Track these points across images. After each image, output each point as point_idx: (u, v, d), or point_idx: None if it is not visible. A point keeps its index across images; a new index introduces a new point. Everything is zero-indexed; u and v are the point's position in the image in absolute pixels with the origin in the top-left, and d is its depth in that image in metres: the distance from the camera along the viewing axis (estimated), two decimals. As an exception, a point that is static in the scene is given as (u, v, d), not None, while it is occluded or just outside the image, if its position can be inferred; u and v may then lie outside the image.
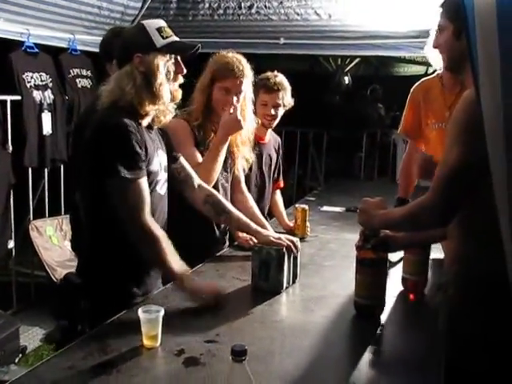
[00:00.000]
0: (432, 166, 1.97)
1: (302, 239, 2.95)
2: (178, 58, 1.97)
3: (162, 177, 2.06)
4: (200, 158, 2.53)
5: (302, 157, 7.19)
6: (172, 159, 2.19)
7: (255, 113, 2.81)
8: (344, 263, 2.65)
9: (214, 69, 2.59)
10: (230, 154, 2.73)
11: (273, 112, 3.05)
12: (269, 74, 3.08)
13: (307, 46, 4.94)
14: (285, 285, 2.22)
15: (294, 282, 2.30)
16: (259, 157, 3.12)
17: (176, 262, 1.89)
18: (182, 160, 2.25)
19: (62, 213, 4.67)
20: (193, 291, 1.94)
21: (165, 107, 1.99)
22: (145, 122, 1.99)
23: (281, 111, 3.11)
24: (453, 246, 1.71)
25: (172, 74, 1.95)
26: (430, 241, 2.17)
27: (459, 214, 1.58)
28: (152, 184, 1.97)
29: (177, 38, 1.98)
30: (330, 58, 7.27)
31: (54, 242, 4.43)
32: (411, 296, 2.21)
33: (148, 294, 2.04)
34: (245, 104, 2.63)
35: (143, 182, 1.87)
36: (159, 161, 2.03)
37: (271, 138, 3.33)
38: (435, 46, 1.93)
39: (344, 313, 2.03)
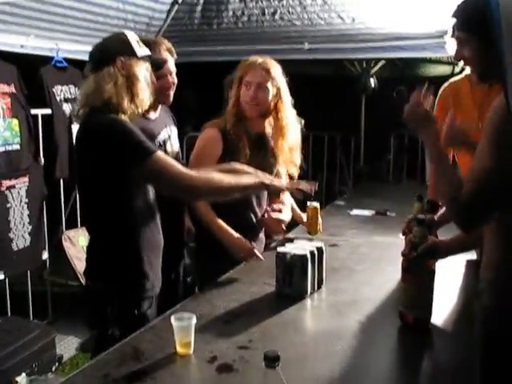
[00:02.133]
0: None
1: (312, 234, 2.98)
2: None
3: None
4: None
5: (330, 161, 7.17)
6: None
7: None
8: (375, 267, 2.63)
9: (239, 68, 2.66)
10: (272, 161, 2.72)
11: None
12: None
13: (332, 50, 4.92)
14: (309, 290, 2.20)
15: (319, 287, 2.28)
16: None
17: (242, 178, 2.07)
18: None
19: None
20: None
21: (139, 111, 2.06)
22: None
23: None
24: (487, 249, 1.61)
25: (150, 82, 2.07)
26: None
27: (493, 217, 1.50)
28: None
29: (149, 53, 2.11)
30: (355, 61, 7.21)
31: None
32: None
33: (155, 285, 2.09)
34: (281, 103, 2.65)
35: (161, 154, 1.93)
36: None
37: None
38: (459, 59, 1.89)
39: (377, 317, 2.01)
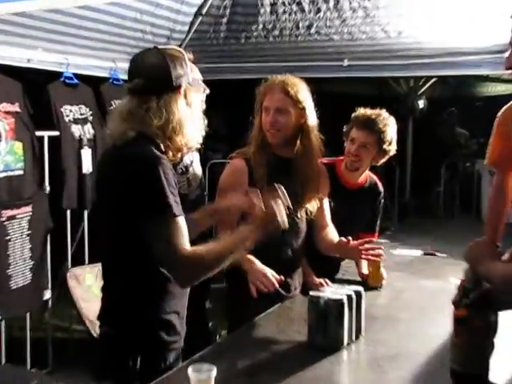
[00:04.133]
0: None
1: (374, 289, 2.98)
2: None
3: None
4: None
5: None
6: None
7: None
8: (422, 316, 2.61)
9: (258, 92, 2.74)
10: (299, 191, 2.73)
11: (355, 150, 3.01)
12: (368, 110, 3.10)
13: (375, 67, 4.93)
14: (346, 341, 2.19)
15: (357, 337, 2.27)
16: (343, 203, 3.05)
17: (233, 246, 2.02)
18: None
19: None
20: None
21: (185, 149, 2.11)
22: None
23: (369, 154, 3.05)
24: None
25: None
26: None
27: None
28: None
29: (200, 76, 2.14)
30: (401, 80, 7.23)
31: (95, 293, 4.39)
32: None
33: (178, 338, 2.10)
34: (307, 126, 2.71)
35: (180, 221, 1.93)
36: None
37: (367, 182, 3.29)
38: (508, 67, 1.88)
39: (424, 374, 1.99)
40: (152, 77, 1.97)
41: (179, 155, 2.11)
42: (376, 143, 3.03)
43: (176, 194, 1.92)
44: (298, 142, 2.75)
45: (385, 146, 3.05)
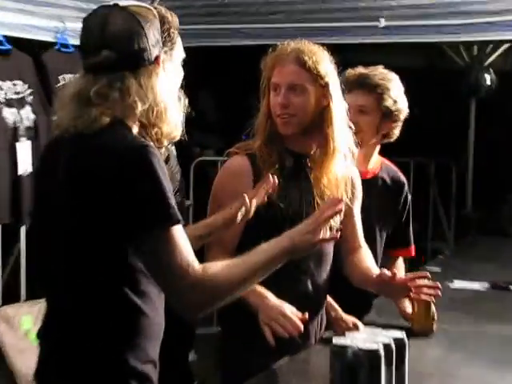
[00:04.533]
0: None
1: (422, 335, 2.94)
2: None
3: None
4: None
5: (418, 202, 7.10)
6: None
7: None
8: (490, 372, 2.58)
9: (265, 65, 2.77)
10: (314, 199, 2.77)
11: (351, 118, 2.88)
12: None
13: (423, 29, 4.98)
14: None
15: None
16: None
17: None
18: None
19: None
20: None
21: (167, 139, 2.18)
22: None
23: (371, 121, 3.10)
24: None
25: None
26: None
27: None
28: None
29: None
30: (461, 47, 7.19)
31: (33, 340, 4.33)
32: None
33: None
34: (329, 110, 2.72)
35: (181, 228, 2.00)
36: None
37: (383, 170, 3.37)
38: None
39: None
40: (124, 47, 2.01)
41: (160, 149, 2.14)
42: (377, 104, 3.10)
43: (172, 195, 1.98)
44: (318, 132, 2.76)
45: (389, 105, 3.12)
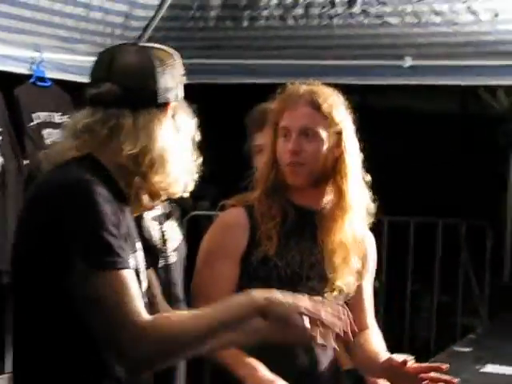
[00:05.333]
0: None
1: None
2: None
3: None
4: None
5: (445, 271, 7.02)
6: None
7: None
8: None
9: (272, 108, 2.80)
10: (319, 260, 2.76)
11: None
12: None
13: (454, 70, 4.90)
14: None
15: None
16: None
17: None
18: None
19: (9, 369, 4.50)
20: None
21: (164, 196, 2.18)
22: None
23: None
24: None
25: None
26: None
27: None
28: None
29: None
30: (499, 91, 7.14)
31: None
32: None
33: None
34: (343, 162, 2.70)
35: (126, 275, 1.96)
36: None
37: None
38: None
39: None
40: (130, 83, 2.05)
41: (153, 204, 2.19)
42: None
43: (120, 236, 1.95)
44: (330, 185, 2.74)
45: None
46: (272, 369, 2.55)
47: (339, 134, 2.69)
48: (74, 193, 1.92)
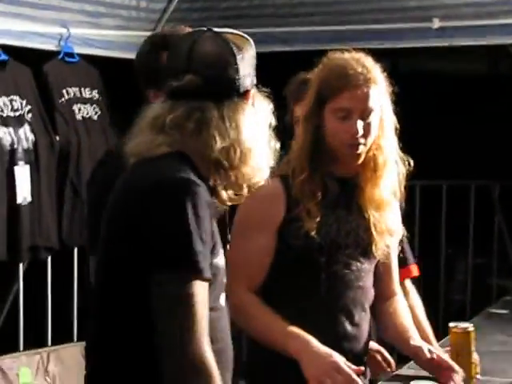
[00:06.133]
0: None
1: None
2: None
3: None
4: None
5: (479, 233, 6.99)
6: None
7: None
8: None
9: (319, 81, 2.71)
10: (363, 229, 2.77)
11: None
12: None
13: (484, 29, 4.87)
14: None
15: None
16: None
17: None
18: None
19: (49, 342, 4.62)
20: None
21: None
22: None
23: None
24: None
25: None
26: None
27: None
28: (216, 289, 2.09)
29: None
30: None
31: None
32: None
33: None
34: (382, 133, 2.71)
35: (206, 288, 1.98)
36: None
37: None
38: None
39: None
40: (212, 74, 2.04)
41: (235, 198, 2.17)
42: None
43: (209, 246, 1.98)
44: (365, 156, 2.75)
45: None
46: (315, 337, 2.54)
47: (381, 107, 2.68)
48: (173, 192, 1.94)
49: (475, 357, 2.89)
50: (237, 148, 2.02)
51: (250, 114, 2.08)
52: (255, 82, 2.14)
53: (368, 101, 2.64)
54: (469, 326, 2.89)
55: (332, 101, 2.66)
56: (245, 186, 2.12)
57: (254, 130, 2.08)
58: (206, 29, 2.11)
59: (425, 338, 3.03)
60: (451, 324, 2.90)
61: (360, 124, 2.62)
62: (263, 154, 2.11)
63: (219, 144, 2.00)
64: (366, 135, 2.65)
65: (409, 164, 2.81)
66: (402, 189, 2.83)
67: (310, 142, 2.71)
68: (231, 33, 2.14)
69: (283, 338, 2.51)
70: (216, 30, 2.11)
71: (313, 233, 2.61)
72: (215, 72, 2.04)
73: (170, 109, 2.06)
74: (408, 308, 3.00)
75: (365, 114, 2.64)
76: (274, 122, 2.18)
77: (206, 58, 2.05)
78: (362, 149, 2.67)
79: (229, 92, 2.05)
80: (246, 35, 2.17)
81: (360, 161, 2.71)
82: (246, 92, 2.08)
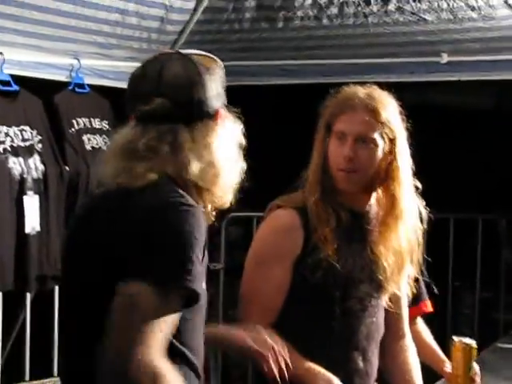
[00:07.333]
0: None
1: None
2: None
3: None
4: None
5: (487, 267, 6.93)
6: None
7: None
8: None
9: (327, 109, 2.73)
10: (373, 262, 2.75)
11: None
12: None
13: (491, 64, 4.90)
14: None
15: None
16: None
17: None
18: None
19: (55, 372, 4.57)
20: None
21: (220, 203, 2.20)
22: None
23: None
24: None
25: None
26: None
27: None
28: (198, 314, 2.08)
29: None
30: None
31: None
32: None
33: None
34: (397, 167, 2.68)
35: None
36: None
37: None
38: None
39: None
40: (182, 96, 2.06)
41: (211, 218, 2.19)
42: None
43: (202, 266, 1.98)
44: (379, 188, 2.75)
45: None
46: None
47: (393, 139, 2.66)
48: (167, 216, 1.93)
49: (476, 371, 2.96)
50: (211, 169, 2.04)
51: (220, 134, 2.10)
52: (225, 101, 2.16)
53: (364, 126, 2.63)
54: (472, 343, 2.92)
55: (333, 125, 2.68)
56: (210, 206, 2.14)
57: (225, 150, 2.09)
58: (173, 51, 2.19)
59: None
60: (455, 338, 2.95)
61: (352, 148, 2.62)
62: (231, 175, 2.12)
63: (195, 166, 2.01)
64: (357, 161, 2.63)
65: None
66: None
67: (320, 171, 2.71)
68: (199, 54, 2.16)
69: (295, 370, 2.46)
70: (183, 51, 2.16)
71: (329, 257, 2.58)
72: (184, 94, 2.05)
73: (141, 133, 2.06)
74: (417, 356, 2.99)
75: (360, 138, 2.63)
76: (243, 141, 2.20)
77: (174, 80, 2.06)
78: (350, 175, 2.65)
79: (199, 113, 2.06)
80: (213, 56, 2.18)
81: (350, 189, 2.69)
82: (216, 112, 2.10)
